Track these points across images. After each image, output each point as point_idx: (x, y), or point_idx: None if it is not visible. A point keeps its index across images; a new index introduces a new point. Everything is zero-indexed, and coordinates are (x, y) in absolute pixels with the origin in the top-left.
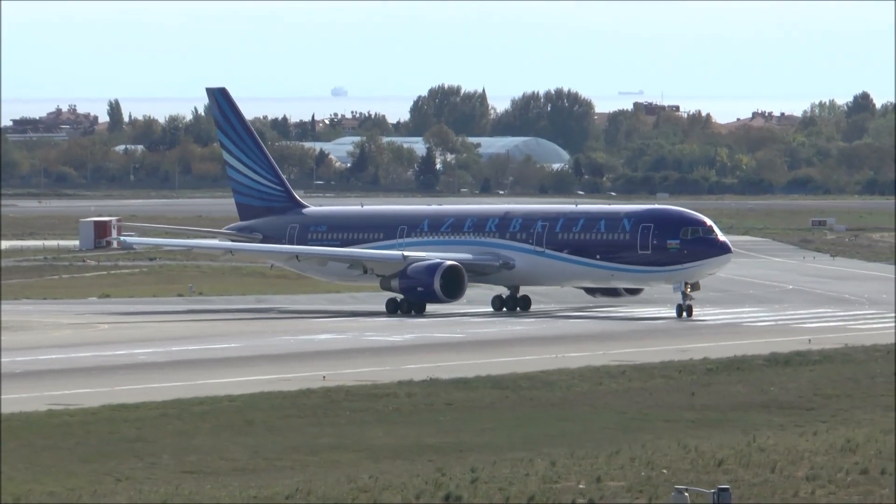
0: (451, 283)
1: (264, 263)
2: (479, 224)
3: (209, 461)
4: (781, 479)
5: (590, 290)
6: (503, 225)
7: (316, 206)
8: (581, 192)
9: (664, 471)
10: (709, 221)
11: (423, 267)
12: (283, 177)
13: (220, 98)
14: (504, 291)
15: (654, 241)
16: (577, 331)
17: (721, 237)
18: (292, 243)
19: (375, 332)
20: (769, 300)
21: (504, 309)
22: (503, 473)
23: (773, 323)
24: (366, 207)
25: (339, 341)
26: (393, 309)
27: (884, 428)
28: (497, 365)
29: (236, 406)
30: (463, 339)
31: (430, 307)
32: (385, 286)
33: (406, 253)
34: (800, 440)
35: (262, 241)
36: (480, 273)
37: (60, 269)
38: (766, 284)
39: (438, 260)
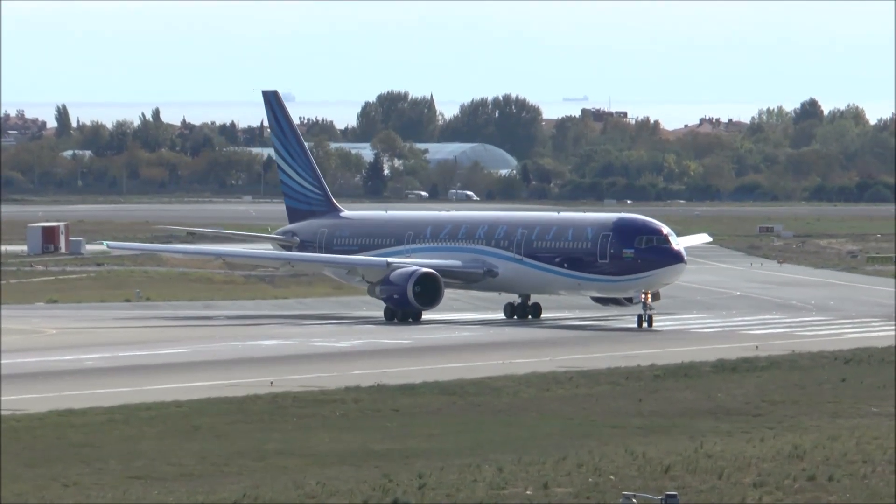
0: (427, 291)
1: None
2: (470, 231)
3: (156, 466)
4: (729, 486)
5: (597, 298)
6: (490, 233)
7: (349, 211)
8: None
9: (612, 477)
10: (666, 230)
11: (399, 274)
12: (324, 181)
13: (273, 101)
14: (515, 299)
15: (612, 251)
16: (525, 337)
17: (675, 246)
18: (321, 247)
19: (322, 338)
20: (716, 306)
21: (515, 317)
22: (450, 479)
23: (720, 329)
24: (387, 213)
25: (286, 347)
26: (390, 317)
27: (830, 434)
28: (444, 371)
29: (183, 412)
30: (410, 345)
31: (430, 314)
32: (371, 293)
33: (390, 260)
34: (747, 446)
35: (299, 244)
36: (468, 280)
37: (8, 275)
38: (714, 291)
39: (414, 267)
